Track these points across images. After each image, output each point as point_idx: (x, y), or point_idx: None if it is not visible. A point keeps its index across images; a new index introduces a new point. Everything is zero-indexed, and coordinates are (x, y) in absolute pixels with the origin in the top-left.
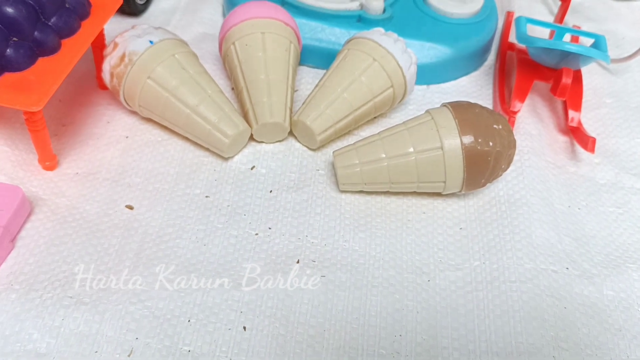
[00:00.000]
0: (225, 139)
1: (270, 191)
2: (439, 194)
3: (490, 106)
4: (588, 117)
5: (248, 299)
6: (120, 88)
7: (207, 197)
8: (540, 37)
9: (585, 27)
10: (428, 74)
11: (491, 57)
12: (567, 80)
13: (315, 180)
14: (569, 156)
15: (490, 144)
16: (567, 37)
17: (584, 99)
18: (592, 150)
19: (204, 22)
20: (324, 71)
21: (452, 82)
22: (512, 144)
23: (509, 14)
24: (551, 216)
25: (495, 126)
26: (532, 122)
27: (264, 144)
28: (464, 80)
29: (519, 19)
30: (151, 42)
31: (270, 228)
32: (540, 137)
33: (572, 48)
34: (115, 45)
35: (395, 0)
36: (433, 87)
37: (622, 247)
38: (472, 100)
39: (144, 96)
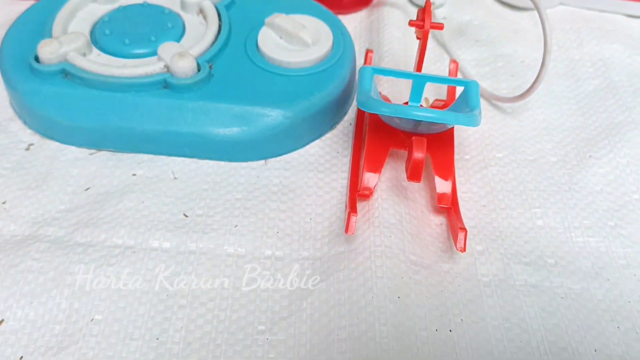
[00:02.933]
0: None
1: (21, 357)
2: None
3: (346, 180)
4: (473, 182)
5: None
6: None
7: None
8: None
9: (475, 52)
10: (263, 147)
11: (353, 110)
12: (418, 155)
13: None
14: (444, 245)
15: None
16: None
17: (467, 155)
18: (461, 248)
19: None
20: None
21: (300, 151)
22: None
23: (368, 53)
24: (409, 353)
25: None
26: (393, 203)
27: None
28: (315, 146)
29: (363, 70)
30: None
31: None
32: (402, 225)
33: (420, 115)
34: None
35: (219, 52)
36: (273, 161)
37: None
38: (324, 174)
39: None
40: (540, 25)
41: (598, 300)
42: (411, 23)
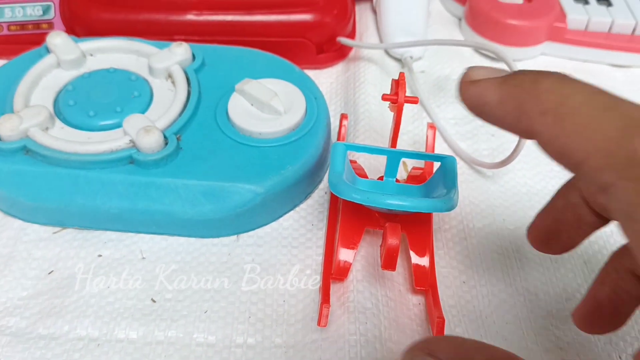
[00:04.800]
0: None
1: None
2: None
3: (321, 257)
4: (452, 255)
5: None
6: None
7: None
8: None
9: (454, 110)
10: (235, 223)
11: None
12: (393, 242)
13: None
14: (422, 328)
15: None
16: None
17: (447, 225)
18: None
19: None
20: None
21: (273, 225)
22: None
23: (342, 120)
24: None
25: None
26: (368, 284)
27: None
28: (289, 218)
29: (335, 147)
30: None
31: None
32: (378, 309)
33: (393, 204)
34: None
35: (188, 122)
36: (245, 236)
37: None
38: (298, 249)
39: None
40: None
41: None
42: (384, 97)
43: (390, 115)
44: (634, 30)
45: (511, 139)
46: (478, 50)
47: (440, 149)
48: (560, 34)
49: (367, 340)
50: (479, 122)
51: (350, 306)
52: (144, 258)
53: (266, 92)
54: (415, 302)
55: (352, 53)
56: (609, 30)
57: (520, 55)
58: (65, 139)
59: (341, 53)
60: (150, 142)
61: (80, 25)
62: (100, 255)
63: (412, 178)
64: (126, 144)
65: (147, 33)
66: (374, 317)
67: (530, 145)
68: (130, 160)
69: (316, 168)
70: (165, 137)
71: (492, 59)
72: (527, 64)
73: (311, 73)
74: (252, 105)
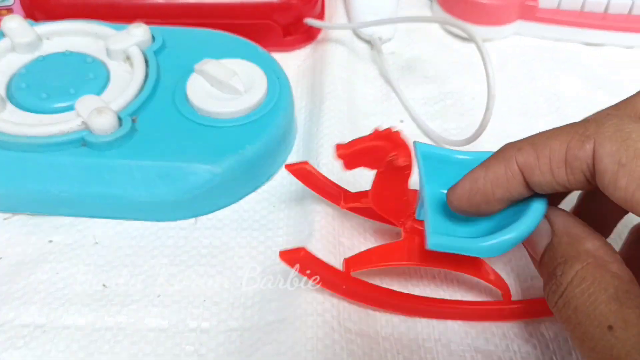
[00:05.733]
0: None
1: None
2: None
3: (282, 238)
4: None
5: None
6: None
7: None
8: None
9: (424, 90)
10: (192, 205)
11: (293, 157)
12: None
13: None
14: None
15: None
16: None
17: None
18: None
19: None
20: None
21: (234, 206)
22: None
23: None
24: None
25: None
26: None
27: None
28: (250, 200)
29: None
30: None
31: None
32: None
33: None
34: None
35: (144, 104)
36: (204, 219)
37: None
38: (259, 231)
39: None
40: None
41: None
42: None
43: (357, 95)
44: (606, 7)
45: (480, 117)
46: (449, 30)
47: (410, 128)
48: (531, 12)
49: (325, 320)
50: (448, 102)
51: (307, 286)
52: (97, 243)
53: (225, 72)
54: (377, 282)
55: (320, 35)
56: (581, 8)
57: (492, 35)
58: (14, 122)
59: (309, 35)
60: (103, 123)
61: (40, 10)
62: (51, 241)
63: None
64: (78, 126)
65: (109, 17)
66: (332, 297)
67: (501, 122)
68: (83, 142)
69: (278, 148)
70: (120, 118)
71: (463, 39)
72: (500, 44)
73: (278, 56)
74: (211, 85)
